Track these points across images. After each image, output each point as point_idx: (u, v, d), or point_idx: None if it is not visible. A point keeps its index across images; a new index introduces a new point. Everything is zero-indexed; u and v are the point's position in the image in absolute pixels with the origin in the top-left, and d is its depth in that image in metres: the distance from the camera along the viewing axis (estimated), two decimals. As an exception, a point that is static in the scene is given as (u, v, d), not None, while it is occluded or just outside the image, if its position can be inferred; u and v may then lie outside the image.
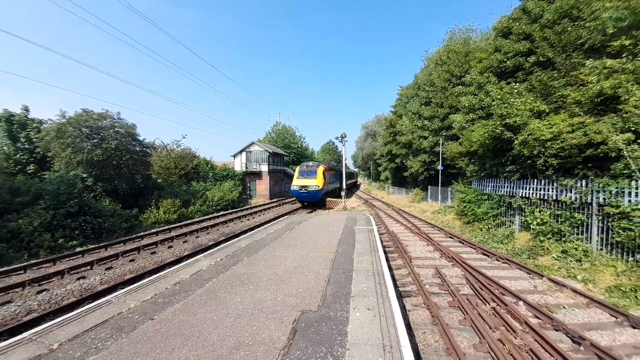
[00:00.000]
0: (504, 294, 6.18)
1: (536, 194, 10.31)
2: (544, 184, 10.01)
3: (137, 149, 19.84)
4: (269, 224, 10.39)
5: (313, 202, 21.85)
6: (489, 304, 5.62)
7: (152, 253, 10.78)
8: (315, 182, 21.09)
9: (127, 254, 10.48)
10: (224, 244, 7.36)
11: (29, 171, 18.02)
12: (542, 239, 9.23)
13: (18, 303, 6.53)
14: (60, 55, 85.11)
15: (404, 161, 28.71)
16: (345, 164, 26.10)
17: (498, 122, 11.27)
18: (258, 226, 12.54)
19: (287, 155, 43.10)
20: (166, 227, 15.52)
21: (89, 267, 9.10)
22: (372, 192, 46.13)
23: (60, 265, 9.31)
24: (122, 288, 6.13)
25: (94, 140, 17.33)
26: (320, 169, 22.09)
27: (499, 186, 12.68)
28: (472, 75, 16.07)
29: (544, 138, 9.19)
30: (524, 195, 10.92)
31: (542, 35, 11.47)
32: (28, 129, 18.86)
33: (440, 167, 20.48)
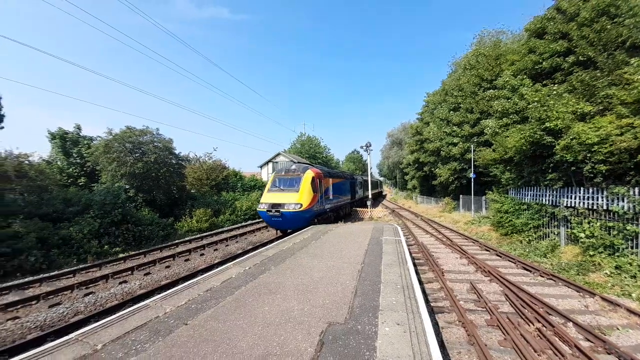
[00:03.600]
0: (549, 314, 5.65)
1: (583, 203, 9.44)
2: (592, 193, 9.14)
3: (173, 162, 21.18)
4: (294, 234, 10.48)
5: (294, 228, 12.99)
6: (533, 324, 5.16)
7: (185, 260, 11.30)
8: (295, 198, 12.72)
9: (163, 261, 11.08)
10: (252, 253, 7.53)
11: (80, 183, 19.92)
12: (592, 253, 8.37)
13: (66, 305, 7.11)
14: (108, 78, 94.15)
15: (433, 169, 27.77)
16: (371, 173, 25.78)
17: (536, 127, 10.57)
18: (283, 235, 12.83)
19: (312, 165, 43.57)
20: (198, 236, 16.25)
21: (129, 272, 9.73)
22: (399, 202, 44.94)
23: (105, 270, 10.06)
24: (159, 293, 6.46)
25: (136, 155, 18.80)
26: (307, 175, 13.63)
27: (539, 195, 11.80)
28: (504, 78, 15.33)
29: (590, 142, 8.46)
30: (569, 205, 10.04)
31: (580, 34, 10.75)
32: (80, 145, 20.95)
33: (472, 175, 19.52)
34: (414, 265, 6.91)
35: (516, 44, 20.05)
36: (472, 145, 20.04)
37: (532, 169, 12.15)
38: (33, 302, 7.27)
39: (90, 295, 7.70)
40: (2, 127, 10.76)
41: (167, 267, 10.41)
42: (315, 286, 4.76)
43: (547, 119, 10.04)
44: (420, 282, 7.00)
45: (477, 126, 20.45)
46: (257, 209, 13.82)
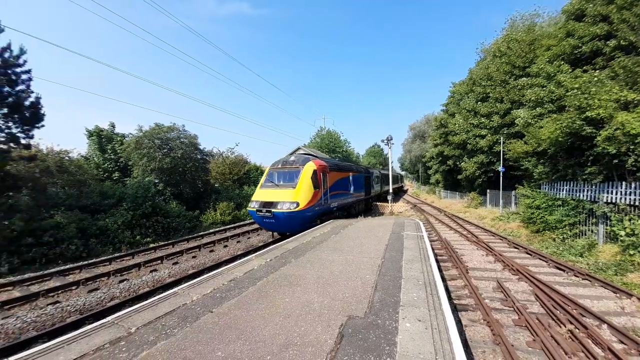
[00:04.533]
0: (583, 315, 5.32)
1: (625, 199, 8.70)
2: (635, 187, 8.41)
3: (198, 157, 21.99)
4: (313, 228, 10.55)
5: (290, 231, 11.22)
6: (565, 326, 4.88)
7: (210, 251, 11.77)
8: (291, 196, 10.85)
9: (190, 251, 11.62)
10: (273, 245, 7.69)
11: (114, 178, 21.24)
12: (632, 252, 7.75)
13: (103, 290, 7.67)
14: (137, 77, 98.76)
15: (458, 163, 26.70)
16: (392, 166, 25.28)
17: (575, 116, 9.81)
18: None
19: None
20: (222, 228, 16.85)
21: (159, 262, 10.31)
22: (421, 196, 43.83)
23: (137, 259, 10.73)
24: (186, 282, 6.80)
25: (164, 150, 19.70)
26: (308, 169, 11.74)
27: (576, 190, 11.01)
28: (539, 64, 14.31)
29: (635, 132, 7.73)
30: (609, 201, 9.30)
31: (620, 18, 9.79)
32: (114, 142, 22.28)
33: (501, 169, 18.54)
34: (437, 261, 6.72)
35: (552, 27, 18.58)
36: (501, 137, 19.00)
37: (569, 162, 11.33)
38: (73, 288, 7.92)
39: (125, 282, 8.26)
40: (43, 126, 11.64)
41: (194, 257, 10.91)
42: (335, 280, 4.78)
43: (588, 108, 9.27)
44: (443, 279, 6.81)
45: (508, 117, 19.32)
46: (247, 208, 11.87)
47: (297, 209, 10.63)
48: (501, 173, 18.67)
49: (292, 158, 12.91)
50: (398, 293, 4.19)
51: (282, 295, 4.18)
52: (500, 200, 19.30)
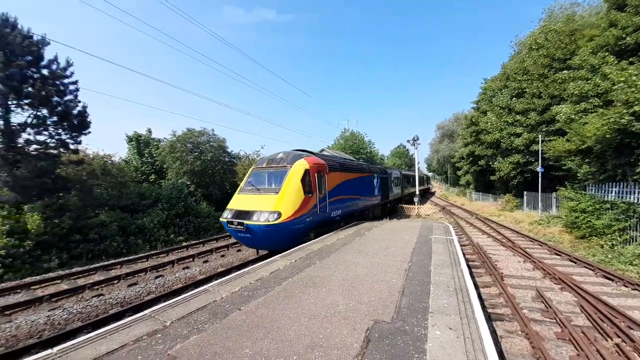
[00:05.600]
0: (631, 328, 4.81)
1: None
2: None
3: (227, 160, 22.87)
4: (337, 230, 10.50)
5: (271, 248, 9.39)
6: (612, 340, 4.43)
7: (238, 250, 12.15)
8: (270, 205, 8.62)
9: (219, 250, 12.08)
10: (297, 247, 7.75)
11: (150, 180, 22.65)
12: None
13: (141, 285, 8.17)
14: (170, 84, 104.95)
15: (490, 163, 25.30)
16: (418, 167, 24.54)
17: (623, 111, 8.92)
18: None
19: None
20: (249, 228, 17.31)
21: (191, 259, 10.81)
22: (449, 199, 42.07)
23: (172, 256, 11.34)
24: (216, 279, 7.06)
25: (195, 154, 20.71)
26: (296, 169, 9.40)
27: (626, 192, 9.99)
28: (581, 56, 13.20)
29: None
30: (669, 204, 8.30)
31: None
32: (150, 147, 23.79)
33: (539, 169, 17.29)
34: (468, 267, 6.39)
35: (594, 17, 17.11)
36: (539, 135, 17.72)
37: (618, 162, 10.30)
38: (115, 282, 8.54)
39: (160, 278, 8.75)
40: (90, 132, 12.74)
41: (222, 256, 11.32)
42: (361, 282, 4.72)
43: (636, 102, 8.39)
44: (476, 286, 6.46)
45: (547, 113, 17.99)
46: (220, 219, 9.39)
47: (277, 221, 8.18)
48: (540, 173, 17.39)
49: (280, 155, 10.30)
50: (427, 299, 4.03)
51: (307, 296, 4.20)
52: (539, 203, 17.98)
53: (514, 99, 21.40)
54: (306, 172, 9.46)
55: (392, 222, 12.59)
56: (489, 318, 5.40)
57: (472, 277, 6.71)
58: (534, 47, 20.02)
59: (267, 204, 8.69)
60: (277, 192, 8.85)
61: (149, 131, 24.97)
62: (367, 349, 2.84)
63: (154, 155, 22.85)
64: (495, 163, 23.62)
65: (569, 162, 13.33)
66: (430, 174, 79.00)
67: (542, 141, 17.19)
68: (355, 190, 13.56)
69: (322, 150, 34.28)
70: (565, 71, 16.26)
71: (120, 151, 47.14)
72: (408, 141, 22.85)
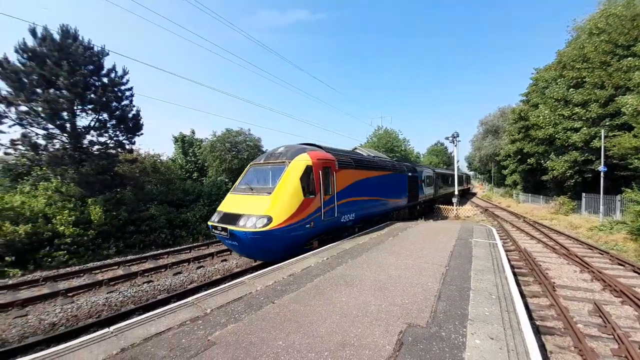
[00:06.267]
0: None
1: None
2: None
3: (261, 158, 23.68)
4: (371, 229, 10.33)
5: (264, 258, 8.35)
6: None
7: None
8: (261, 208, 7.35)
9: (254, 245, 12.54)
10: (329, 245, 7.78)
11: (194, 177, 24.27)
12: None
13: (185, 274, 8.78)
14: (210, 87, 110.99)
15: (542, 161, 23.06)
16: (458, 166, 23.19)
17: None
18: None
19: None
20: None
21: (229, 252, 11.39)
22: (493, 200, 39.15)
23: (212, 248, 12.05)
24: (251, 273, 7.36)
25: (233, 152, 21.79)
26: (295, 165, 8.08)
27: None
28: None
29: None
30: None
31: None
32: (194, 146, 25.50)
33: (601, 168, 15.34)
34: (514, 274, 5.90)
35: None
36: (602, 130, 15.72)
37: None
38: (162, 270, 9.30)
39: (201, 269, 9.35)
40: (142, 134, 14.02)
41: (257, 251, 11.75)
42: (393, 284, 4.60)
43: None
44: (522, 295, 5.95)
45: (611, 105, 15.92)
46: (209, 223, 8.30)
47: (266, 228, 6.88)
48: (602, 173, 15.43)
49: (281, 149, 9.06)
50: (466, 305, 3.81)
51: (338, 295, 4.20)
52: (601, 207, 15.97)
53: (572, 89, 19.20)
54: (308, 169, 8.06)
55: (428, 223, 12.06)
56: (537, 331, 4.95)
57: (518, 285, 6.19)
58: (594, 31, 17.77)
59: (257, 206, 7.43)
60: (270, 193, 7.54)
61: (193, 132, 26.72)
62: (400, 352, 2.77)
63: (197, 154, 24.45)
64: (548, 161, 21.46)
65: (637, 160, 11.65)
66: (471, 173, 74.16)
67: (605, 137, 15.21)
68: (374, 190, 11.73)
69: (355, 148, 33.82)
70: (630, 58, 14.22)
71: (161, 150, 51.10)
72: (447, 138, 21.69)
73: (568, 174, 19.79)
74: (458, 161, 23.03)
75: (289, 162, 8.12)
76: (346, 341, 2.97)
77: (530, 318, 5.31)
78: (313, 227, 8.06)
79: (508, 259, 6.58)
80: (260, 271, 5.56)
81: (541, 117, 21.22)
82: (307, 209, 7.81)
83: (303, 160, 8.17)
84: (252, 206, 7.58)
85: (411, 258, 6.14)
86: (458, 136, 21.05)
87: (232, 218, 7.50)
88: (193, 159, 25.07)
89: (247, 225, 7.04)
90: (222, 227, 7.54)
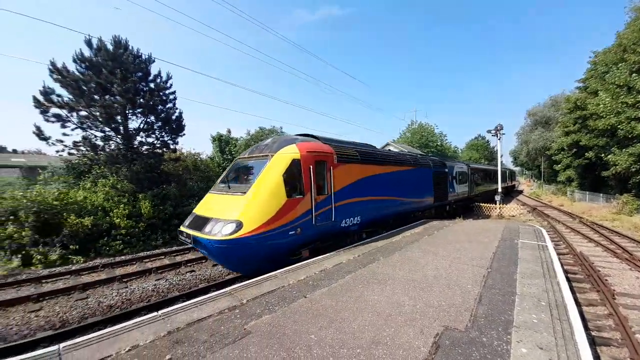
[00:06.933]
0: None
1: None
2: None
3: (293, 155, 24.16)
4: (404, 227, 10.01)
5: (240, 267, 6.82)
6: None
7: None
8: (232, 211, 6.08)
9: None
10: (360, 242, 7.70)
11: (230, 174, 25.52)
12: None
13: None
14: (244, 88, 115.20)
15: (602, 155, 20.54)
16: (502, 161, 21.53)
17: None
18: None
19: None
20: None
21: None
22: (542, 198, 35.79)
23: (246, 243, 12.58)
24: (283, 267, 7.56)
25: (266, 150, 22.49)
26: (281, 157, 6.72)
27: None
28: None
29: None
30: None
31: None
32: (230, 145, 26.75)
33: (678, 163, 13.25)
34: (567, 279, 5.35)
35: None
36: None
37: None
38: (203, 261, 9.91)
39: (238, 261, 9.81)
40: (184, 134, 15.04)
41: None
42: (429, 285, 4.42)
43: None
44: (577, 303, 5.39)
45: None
46: (180, 228, 7.19)
47: (235, 235, 5.67)
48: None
49: (267, 141, 7.87)
50: (510, 311, 3.54)
51: (370, 292, 4.15)
52: (678, 207, 13.81)
53: (635, 74, 16.76)
54: (294, 163, 6.68)
55: (467, 222, 11.39)
56: (592, 342, 4.46)
57: (573, 292, 5.61)
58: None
59: (229, 209, 6.25)
60: (245, 193, 6.31)
61: (229, 131, 28.03)
62: (437, 355, 2.66)
63: (233, 152, 25.61)
64: (609, 155, 19.04)
65: None
66: (516, 169, 68.48)
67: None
68: (387, 188, 9.96)
69: (387, 144, 32.78)
70: None
71: (201, 149, 54.15)
72: (489, 131, 20.22)
73: (633, 170, 17.39)
74: (502, 156, 21.36)
75: (272, 156, 6.79)
76: (379, 339, 2.92)
77: (586, 328, 4.79)
78: (300, 233, 6.63)
79: (561, 262, 5.99)
80: (292, 266, 5.66)
81: (601, 105, 18.82)
82: (292, 212, 6.42)
83: (288, 153, 6.76)
84: (224, 209, 6.40)
85: (448, 258, 5.86)
86: (502, 129, 19.52)
87: (201, 223, 6.39)
88: (229, 157, 26.32)
89: (212, 232, 5.85)
90: (186, 234, 6.52)
